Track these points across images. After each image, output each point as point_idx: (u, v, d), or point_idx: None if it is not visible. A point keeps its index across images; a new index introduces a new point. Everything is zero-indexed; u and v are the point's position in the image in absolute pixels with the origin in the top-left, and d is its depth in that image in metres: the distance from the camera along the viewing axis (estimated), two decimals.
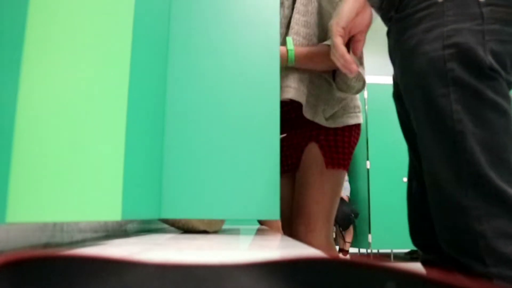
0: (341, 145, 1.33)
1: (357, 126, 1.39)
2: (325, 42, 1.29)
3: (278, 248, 0.65)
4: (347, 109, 1.36)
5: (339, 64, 0.96)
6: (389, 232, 4.76)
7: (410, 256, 5.23)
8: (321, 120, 1.33)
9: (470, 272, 0.77)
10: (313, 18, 1.31)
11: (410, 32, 0.85)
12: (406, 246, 4.76)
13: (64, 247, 0.60)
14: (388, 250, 5.38)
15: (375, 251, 5.55)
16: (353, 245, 5.21)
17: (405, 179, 4.02)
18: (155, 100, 0.87)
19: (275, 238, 0.90)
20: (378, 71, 6.62)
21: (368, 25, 0.97)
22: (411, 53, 0.85)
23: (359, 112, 1.39)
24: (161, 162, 0.95)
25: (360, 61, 1.28)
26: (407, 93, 0.89)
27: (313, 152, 1.34)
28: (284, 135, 2.18)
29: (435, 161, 0.82)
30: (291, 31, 1.32)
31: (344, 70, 0.97)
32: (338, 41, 0.94)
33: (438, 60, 0.80)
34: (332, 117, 1.34)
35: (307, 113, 1.32)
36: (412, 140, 1.01)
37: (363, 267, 0.21)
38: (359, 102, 1.40)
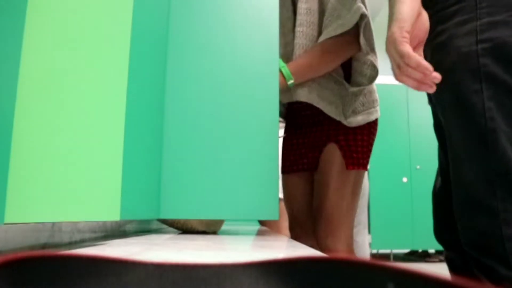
0: (361, 144, 1.29)
1: (375, 121, 1.35)
2: (320, 40, 1.27)
3: (277, 248, 0.65)
4: (366, 104, 1.32)
5: (415, 77, 0.74)
6: (388, 233, 4.76)
7: (413, 257, 5.23)
8: (343, 120, 1.30)
9: (492, 274, 0.76)
10: (315, 4, 1.30)
11: (441, 27, 0.82)
12: (405, 246, 4.77)
13: (63, 247, 0.60)
14: (388, 251, 5.39)
15: (374, 251, 5.55)
16: None
17: (405, 179, 4.05)
18: (154, 100, 0.87)
19: (274, 239, 0.90)
20: (382, 71, 6.62)
21: (426, 33, 0.80)
22: (442, 48, 0.81)
23: (377, 106, 1.34)
24: (160, 162, 0.95)
25: (371, 46, 1.26)
26: (437, 89, 0.83)
27: (332, 153, 1.30)
28: (284, 135, 2.17)
29: (463, 159, 0.80)
30: (296, 23, 1.31)
31: (421, 87, 0.75)
32: (408, 49, 0.73)
33: (471, 55, 0.76)
34: (353, 115, 1.30)
35: (331, 112, 1.30)
36: (443, 138, 0.99)
37: (363, 267, 0.21)
38: (377, 95, 1.35)
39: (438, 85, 0.82)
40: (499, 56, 0.75)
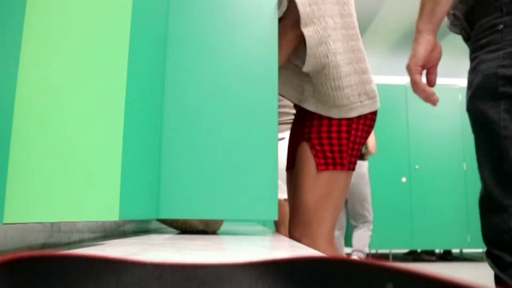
0: (337, 142, 1.19)
1: (363, 116, 1.22)
2: None
3: (276, 248, 0.65)
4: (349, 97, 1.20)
5: (421, 96, 1.10)
6: (388, 233, 4.76)
7: (412, 257, 5.24)
8: (310, 106, 1.21)
9: (499, 262, 0.91)
10: None
11: (475, 54, 1.02)
12: (404, 246, 4.77)
13: (62, 248, 0.60)
14: (387, 251, 5.39)
15: (373, 251, 5.56)
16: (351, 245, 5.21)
17: (404, 179, 4.05)
18: (153, 100, 0.87)
19: (273, 239, 0.90)
20: (377, 71, 6.63)
21: (439, 59, 1.11)
22: (472, 72, 1.01)
23: (367, 99, 1.22)
24: (159, 162, 0.95)
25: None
26: (468, 104, 1.02)
27: (304, 153, 1.23)
28: (283, 137, 2.16)
29: (483, 162, 0.96)
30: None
31: (427, 101, 1.11)
32: (418, 78, 1.08)
33: (492, 77, 0.94)
34: (327, 102, 1.20)
35: (291, 96, 1.24)
36: None
37: (361, 266, 0.21)
38: (367, 88, 1.22)
39: (468, 101, 1.03)
40: None
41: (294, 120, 1.37)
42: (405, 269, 0.19)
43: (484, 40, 0.99)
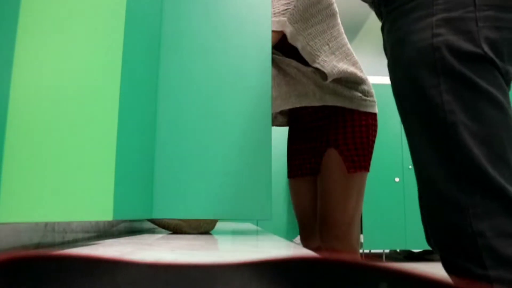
0: (361, 146, 1.29)
1: (374, 119, 1.34)
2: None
3: (270, 248, 0.65)
4: (364, 93, 1.33)
5: None
6: (381, 232, 4.78)
7: (403, 256, 5.26)
8: (335, 101, 1.29)
9: (467, 275, 0.72)
10: None
11: (399, 23, 0.83)
12: (398, 246, 4.79)
13: (56, 247, 0.60)
14: (380, 250, 5.40)
15: (367, 251, 5.57)
16: None
17: (397, 179, 4.06)
18: (147, 100, 0.87)
19: (267, 239, 0.90)
20: (373, 71, 6.65)
21: None
22: (400, 44, 0.82)
23: (370, 97, 1.34)
24: (153, 163, 0.95)
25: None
26: (395, 85, 0.86)
27: (333, 158, 1.31)
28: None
29: (426, 157, 0.78)
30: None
31: None
32: None
33: (427, 49, 0.77)
34: (348, 96, 1.29)
35: (303, 102, 1.30)
36: None
37: (355, 267, 0.22)
38: (372, 91, 1.34)
39: (397, 80, 0.85)
40: (453, 49, 0.75)
41: (311, 128, 1.40)
42: (399, 269, 0.20)
43: (411, 4, 0.81)
